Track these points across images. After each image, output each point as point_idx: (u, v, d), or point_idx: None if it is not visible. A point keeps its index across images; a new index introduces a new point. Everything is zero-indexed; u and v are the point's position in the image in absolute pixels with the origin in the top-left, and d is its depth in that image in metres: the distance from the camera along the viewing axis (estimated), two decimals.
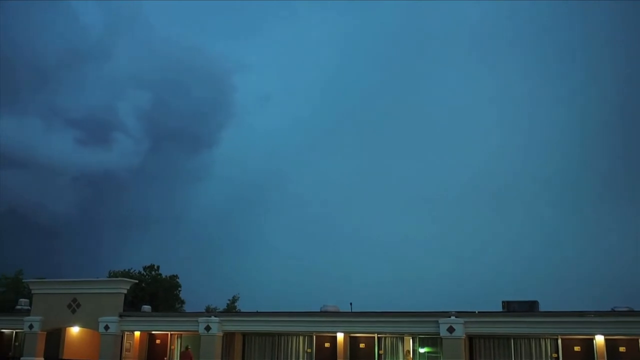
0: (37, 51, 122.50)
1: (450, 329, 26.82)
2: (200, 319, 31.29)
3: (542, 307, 28.59)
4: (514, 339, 27.64)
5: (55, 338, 35.03)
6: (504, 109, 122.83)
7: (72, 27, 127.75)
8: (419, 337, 29.27)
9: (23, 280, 45.49)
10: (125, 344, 33.58)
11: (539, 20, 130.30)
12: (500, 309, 28.87)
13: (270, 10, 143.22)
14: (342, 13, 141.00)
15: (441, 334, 27.06)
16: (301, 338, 31.30)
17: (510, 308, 28.52)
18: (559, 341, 27.12)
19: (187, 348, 31.87)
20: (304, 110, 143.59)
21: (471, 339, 28.23)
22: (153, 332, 34.49)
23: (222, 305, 58.43)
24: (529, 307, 28.25)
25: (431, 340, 28.77)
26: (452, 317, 27.02)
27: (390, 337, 29.71)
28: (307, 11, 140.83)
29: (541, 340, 27.35)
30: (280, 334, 31.46)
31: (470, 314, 27.85)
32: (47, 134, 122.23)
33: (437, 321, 27.19)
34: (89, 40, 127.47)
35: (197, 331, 31.21)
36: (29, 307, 36.13)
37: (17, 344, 37.23)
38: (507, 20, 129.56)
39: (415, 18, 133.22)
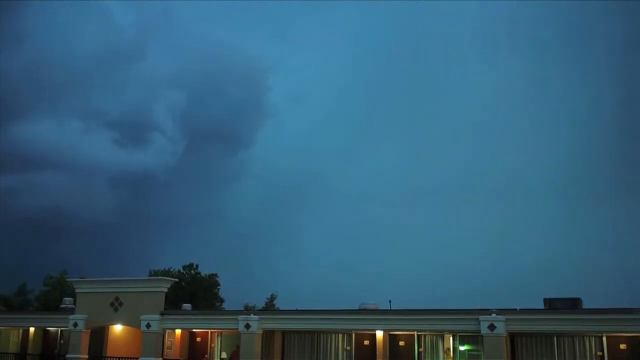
0: (73, 53, 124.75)
1: (491, 327, 26.48)
2: (240, 317, 31.47)
3: (585, 305, 28.10)
4: (557, 336, 27.12)
5: (99, 336, 35.63)
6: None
7: (106, 28, 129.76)
8: (459, 335, 28.97)
9: (67, 280, 46.37)
10: (167, 342, 33.95)
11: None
12: (542, 307, 28.51)
13: (303, 9, 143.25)
14: (375, 11, 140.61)
15: (482, 332, 26.73)
16: (340, 336, 31.26)
17: (552, 305, 28.08)
18: (604, 339, 26.52)
19: (237, 347, 32.10)
20: (337, 108, 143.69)
21: (513, 336, 27.84)
22: (193, 330, 34.83)
23: (260, 304, 58.87)
24: (572, 304, 27.77)
25: (472, 338, 28.45)
26: (493, 315, 26.66)
27: (430, 334, 29.48)
28: (339, 9, 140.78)
29: (585, 338, 26.80)
30: (319, 332, 31.47)
31: (512, 311, 27.48)
32: (86, 135, 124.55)
33: (478, 319, 26.85)
34: (123, 41, 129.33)
35: (237, 329, 31.40)
36: (74, 306, 36.79)
37: (62, 341, 37.94)
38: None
39: (446, 15, 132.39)
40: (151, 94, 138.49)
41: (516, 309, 27.85)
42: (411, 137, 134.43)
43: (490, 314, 26.71)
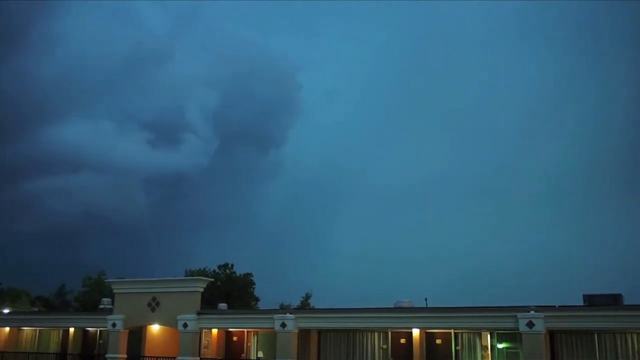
0: (105, 55, 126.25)
1: (530, 324, 26.09)
2: (275, 316, 31.54)
3: (626, 301, 27.51)
4: (597, 334, 26.62)
5: (137, 336, 36.02)
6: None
7: (136, 29, 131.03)
8: (497, 333, 28.60)
9: (105, 281, 47.01)
10: (204, 341, 34.23)
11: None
12: (581, 303, 27.99)
13: (328, 6, 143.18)
14: (401, 6, 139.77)
15: (520, 329, 26.35)
16: (376, 334, 31.14)
17: (592, 302, 27.51)
18: None
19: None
20: (368, 104, 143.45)
21: (552, 334, 27.41)
22: (230, 330, 35.02)
23: (295, 302, 59.00)
24: (613, 301, 27.18)
25: (510, 335, 28.06)
26: (532, 312, 26.27)
27: (467, 332, 29.16)
28: (365, 5, 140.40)
29: (627, 335, 26.24)
30: (355, 331, 31.40)
31: (550, 308, 27.06)
32: (120, 137, 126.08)
33: (516, 316, 26.49)
34: (153, 42, 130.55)
35: (273, 328, 31.49)
36: (112, 306, 37.26)
37: (101, 341, 38.50)
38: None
39: (476, 14, 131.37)
40: (182, 95, 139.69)
41: (555, 306, 27.40)
42: (442, 132, 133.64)
43: (529, 311, 26.34)
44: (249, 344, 34.70)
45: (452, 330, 29.31)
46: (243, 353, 34.63)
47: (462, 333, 29.28)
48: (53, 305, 65.40)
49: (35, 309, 61.72)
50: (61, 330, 40.08)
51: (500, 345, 28.48)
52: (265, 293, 60.87)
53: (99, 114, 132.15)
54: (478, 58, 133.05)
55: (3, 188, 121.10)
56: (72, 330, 39.40)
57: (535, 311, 26.24)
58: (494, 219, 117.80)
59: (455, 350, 29.22)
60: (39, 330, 41.01)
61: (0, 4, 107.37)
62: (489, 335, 28.75)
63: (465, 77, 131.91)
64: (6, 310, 48.09)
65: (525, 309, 26.63)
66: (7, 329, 40.95)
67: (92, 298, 56.84)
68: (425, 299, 33.13)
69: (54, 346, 40.33)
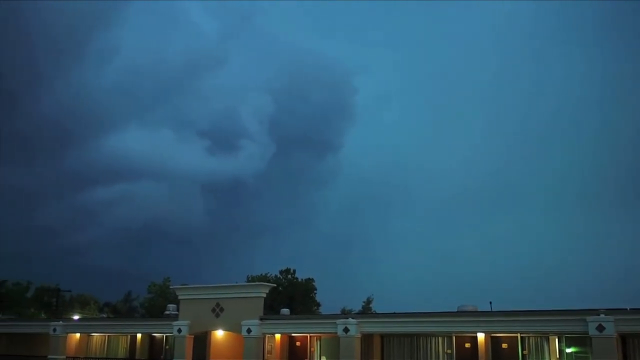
0: (159, 63, 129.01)
1: (600, 328, 25.29)
2: (338, 321, 31.52)
3: None
4: None
5: (202, 341, 36.54)
6: None
7: (189, 34, 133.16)
8: (565, 337, 27.86)
9: (170, 287, 47.88)
10: (267, 347, 34.48)
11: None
12: None
13: (384, 10, 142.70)
14: (451, 8, 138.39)
15: (590, 333, 25.57)
16: (440, 339, 30.75)
17: None
18: None
19: None
20: (424, 105, 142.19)
21: (624, 338, 26.51)
22: (293, 335, 35.19)
23: (357, 307, 58.91)
24: None
25: (579, 339, 27.25)
26: (602, 315, 25.46)
27: (535, 336, 28.47)
28: (415, 8, 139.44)
29: None
30: (418, 335, 31.09)
31: (621, 311, 26.11)
32: (178, 144, 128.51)
33: (585, 319, 25.72)
34: (206, 47, 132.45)
35: (336, 333, 31.48)
36: (177, 312, 37.96)
37: (167, 347, 39.21)
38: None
39: (520, 18, 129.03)
40: (237, 100, 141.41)
41: (626, 309, 26.45)
42: (498, 135, 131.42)
43: (598, 314, 25.53)
44: (312, 349, 34.75)
45: (518, 334, 28.68)
46: (306, 358, 34.71)
47: (529, 337, 28.61)
48: (120, 311, 67.17)
49: (104, 315, 63.55)
50: (129, 336, 41.00)
51: (569, 350, 27.70)
52: (327, 298, 61.01)
53: (157, 122, 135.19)
54: (520, 65, 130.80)
55: (69, 197, 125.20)
56: (139, 336, 40.27)
57: (605, 314, 25.42)
58: (559, 220, 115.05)
59: (522, 354, 28.58)
60: (108, 336, 42.10)
61: (59, 19, 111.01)
62: (557, 339, 28.03)
63: (510, 83, 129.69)
64: (76, 317, 49.63)
65: (595, 312, 25.82)
66: (78, 335, 42.15)
67: (157, 304, 58.07)
68: (490, 303, 32.62)
69: (122, 352, 41.30)
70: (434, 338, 30.81)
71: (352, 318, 31.86)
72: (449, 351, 30.34)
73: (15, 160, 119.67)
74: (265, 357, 34.04)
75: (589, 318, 25.59)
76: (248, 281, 52.47)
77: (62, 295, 64.33)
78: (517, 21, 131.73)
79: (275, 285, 43.44)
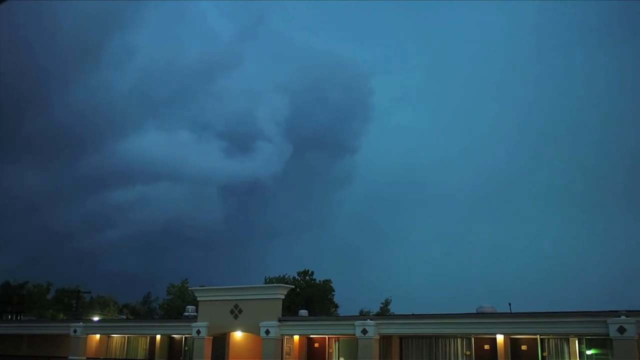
0: (176, 64, 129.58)
1: (621, 329, 25.09)
2: (356, 323, 31.52)
3: None
4: None
5: (221, 342, 36.70)
6: None
7: (204, 35, 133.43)
8: (586, 338, 27.66)
9: (189, 288, 48.08)
10: (285, 348, 34.55)
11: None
12: None
13: (400, 12, 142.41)
14: (473, 14, 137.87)
15: (611, 335, 25.38)
16: (459, 340, 30.66)
17: None
18: None
19: None
20: (443, 106, 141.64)
21: None
22: (311, 336, 35.23)
23: (375, 309, 58.79)
24: None
25: (599, 341, 27.04)
26: (622, 317, 25.26)
27: (554, 338, 28.30)
28: (431, 8, 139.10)
29: None
30: (437, 337, 31.02)
31: None
32: (196, 146, 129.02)
33: (606, 321, 25.54)
34: (220, 48, 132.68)
35: (354, 334, 31.48)
36: (196, 314, 38.12)
37: (186, 348, 39.40)
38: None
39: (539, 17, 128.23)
40: (254, 102, 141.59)
41: None
42: (521, 138, 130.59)
43: (619, 316, 25.33)
44: (330, 350, 34.78)
45: (538, 336, 28.54)
46: (325, 359, 34.75)
47: (548, 339, 28.45)
48: (139, 312, 67.57)
49: (123, 317, 63.98)
50: (148, 337, 41.29)
51: (589, 352, 27.48)
52: (345, 299, 61.00)
53: (173, 124, 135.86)
54: (532, 65, 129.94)
55: (87, 200, 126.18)
56: (158, 337, 40.50)
57: (626, 316, 25.22)
58: (576, 223, 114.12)
59: (542, 356, 28.41)
60: (127, 337, 42.42)
61: (76, 22, 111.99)
62: (577, 341, 27.82)
63: (518, 83, 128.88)
64: (96, 318, 50.06)
65: (615, 313, 25.64)
66: (98, 336, 42.55)
67: (176, 305, 58.34)
68: (509, 304, 32.48)
69: (142, 353, 41.60)
70: (452, 339, 30.72)
71: (371, 319, 31.84)
72: (467, 353, 30.23)
73: (34, 164, 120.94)
74: (284, 359, 34.10)
75: (609, 320, 25.41)
76: (266, 283, 52.57)
77: (82, 297, 64.86)
78: (518, 21, 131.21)
79: (293, 286, 43.51)
